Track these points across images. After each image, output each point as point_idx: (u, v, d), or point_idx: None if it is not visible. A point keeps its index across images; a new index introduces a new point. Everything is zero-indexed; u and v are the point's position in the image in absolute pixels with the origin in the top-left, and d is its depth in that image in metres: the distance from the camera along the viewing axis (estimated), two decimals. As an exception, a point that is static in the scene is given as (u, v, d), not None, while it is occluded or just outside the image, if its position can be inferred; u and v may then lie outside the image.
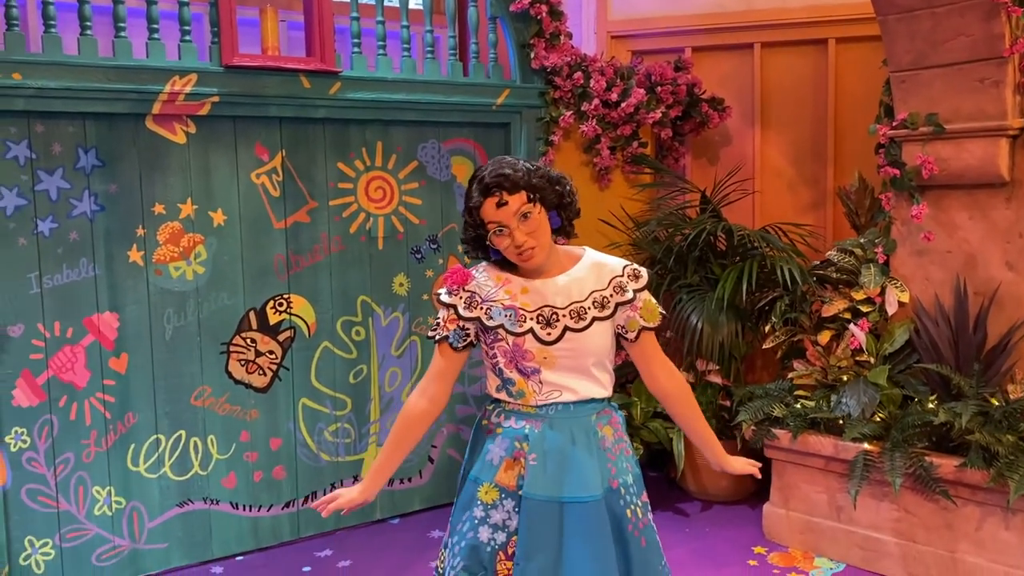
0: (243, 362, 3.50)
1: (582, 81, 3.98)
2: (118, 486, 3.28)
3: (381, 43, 3.68)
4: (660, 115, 4.16)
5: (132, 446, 3.30)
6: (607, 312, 1.99)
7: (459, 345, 2.00)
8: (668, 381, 2.11)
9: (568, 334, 1.95)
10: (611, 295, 2.00)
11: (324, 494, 3.68)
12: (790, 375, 3.66)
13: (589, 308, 1.97)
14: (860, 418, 3.32)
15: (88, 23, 3.08)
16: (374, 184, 3.75)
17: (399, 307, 3.85)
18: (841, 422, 3.36)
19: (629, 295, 2.01)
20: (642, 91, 4.08)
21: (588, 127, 4.02)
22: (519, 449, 1.99)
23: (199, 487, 3.44)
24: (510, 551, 1.96)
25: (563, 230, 2.01)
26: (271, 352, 3.56)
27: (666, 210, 4.24)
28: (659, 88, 4.20)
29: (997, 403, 3.16)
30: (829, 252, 3.81)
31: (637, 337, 2.04)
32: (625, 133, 4.15)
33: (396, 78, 3.67)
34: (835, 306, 3.60)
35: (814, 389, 3.58)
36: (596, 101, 4.00)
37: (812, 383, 3.60)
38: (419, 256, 3.88)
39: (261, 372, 3.54)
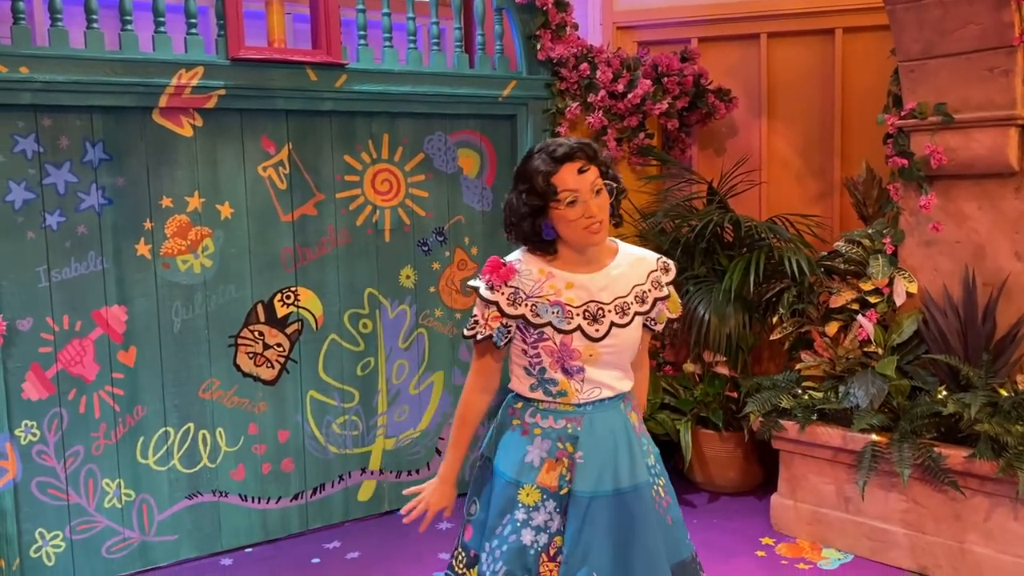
0: (251, 355, 3.51)
1: (588, 72, 3.97)
2: (127, 479, 3.29)
3: (387, 35, 3.68)
4: (667, 106, 4.15)
5: (141, 439, 3.31)
6: (647, 307, 1.98)
7: (503, 343, 1.95)
8: (644, 373, 2.20)
9: (614, 330, 1.92)
10: (650, 289, 1.99)
11: (332, 487, 3.75)
12: (798, 366, 3.65)
13: (631, 303, 1.95)
14: (868, 409, 3.31)
15: (95, 16, 3.08)
16: (380, 176, 3.75)
17: (406, 299, 3.85)
18: (849, 413, 3.36)
19: (664, 291, 2.01)
20: (648, 82, 4.06)
21: (594, 118, 4.01)
22: (562, 449, 1.95)
23: (208, 479, 3.45)
24: (552, 552, 1.93)
25: (611, 218, 1.96)
26: (279, 345, 3.56)
27: (673, 201, 4.24)
28: (665, 79, 4.19)
29: (1006, 393, 3.15)
30: (837, 243, 3.80)
31: (663, 328, 2.07)
32: (631, 124, 4.14)
33: (402, 70, 3.66)
34: (843, 297, 3.59)
35: (822, 380, 3.58)
36: (602, 92, 3.98)
37: (820, 374, 3.59)
38: (426, 248, 3.88)
39: (269, 365, 3.55)
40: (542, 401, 1.98)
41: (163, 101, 3.19)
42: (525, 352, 1.95)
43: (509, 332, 1.94)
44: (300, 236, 3.57)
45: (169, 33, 3.22)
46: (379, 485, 3.85)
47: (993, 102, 3.23)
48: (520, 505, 1.95)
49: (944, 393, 3.26)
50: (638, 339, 2.00)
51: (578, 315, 1.90)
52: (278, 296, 3.54)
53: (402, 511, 2.05)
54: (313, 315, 3.63)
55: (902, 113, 3.44)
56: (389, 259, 3.79)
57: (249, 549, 3.54)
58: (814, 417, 3.46)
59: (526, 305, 1.91)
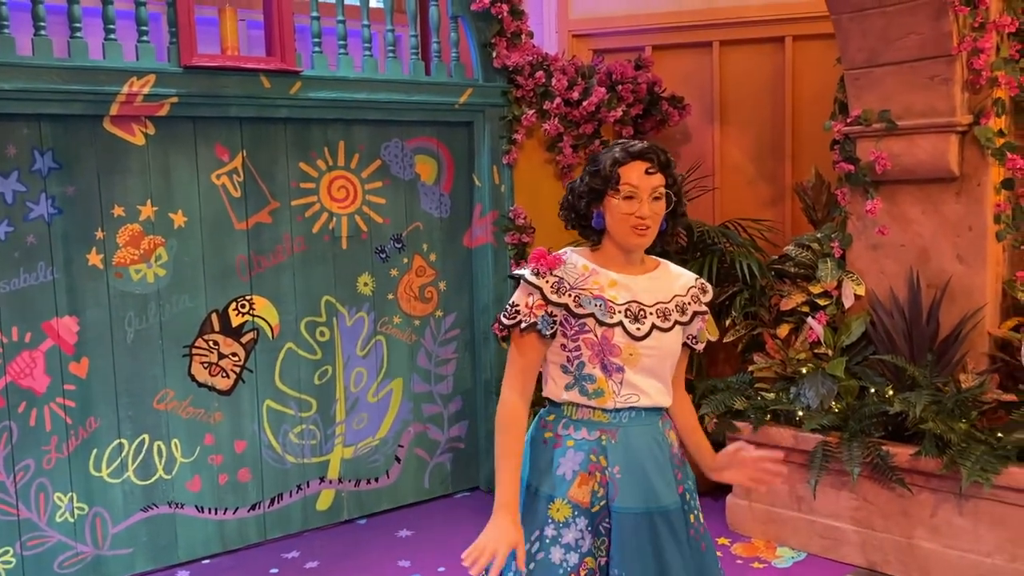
0: (206, 364, 3.48)
1: (544, 80, 4.01)
2: (80, 492, 3.24)
3: (342, 42, 3.68)
4: (621, 113, 4.20)
5: (94, 451, 3.26)
6: (686, 318, 1.96)
7: (548, 332, 1.87)
8: (686, 396, 2.11)
9: (655, 332, 1.89)
10: (690, 302, 1.98)
11: (290, 496, 3.73)
12: (750, 368, 3.72)
13: (672, 311, 1.94)
14: (819, 409, 3.39)
15: (42, 23, 3.04)
16: (337, 184, 3.75)
17: (364, 307, 3.85)
18: (800, 414, 3.43)
19: (703, 307, 2.01)
20: (603, 90, 4.12)
21: (550, 125, 4.05)
22: (595, 463, 1.88)
23: (163, 491, 3.41)
24: (583, 573, 1.87)
25: (664, 235, 1.96)
26: (234, 354, 3.54)
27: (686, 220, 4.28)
28: (620, 87, 4.24)
29: (949, 392, 3.24)
30: (787, 247, 3.88)
31: (703, 349, 2.06)
32: (587, 131, 4.19)
33: (357, 77, 3.66)
34: (793, 300, 3.67)
35: (774, 381, 3.65)
36: (558, 100, 4.03)
37: (772, 376, 3.66)
38: (384, 256, 3.88)
39: (224, 374, 3.52)
40: (577, 408, 1.92)
41: (114, 109, 3.15)
42: (564, 347, 1.90)
43: (555, 322, 1.88)
44: (255, 244, 3.55)
45: (120, 41, 3.19)
46: (338, 494, 3.83)
47: (935, 109, 3.33)
48: (550, 520, 1.88)
49: (891, 393, 3.34)
50: (679, 350, 1.97)
51: (620, 312, 1.88)
52: (233, 305, 3.52)
53: (463, 558, 1.77)
54: (269, 324, 3.61)
55: (848, 120, 3.53)
56: (346, 266, 3.79)
57: (206, 561, 3.51)
58: (767, 418, 3.53)
59: (569, 295, 1.88)
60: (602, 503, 1.89)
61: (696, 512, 1.99)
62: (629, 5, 4.57)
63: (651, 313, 1.91)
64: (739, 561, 3.44)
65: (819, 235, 3.80)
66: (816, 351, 3.57)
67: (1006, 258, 3.43)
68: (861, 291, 3.60)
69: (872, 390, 3.40)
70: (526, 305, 1.89)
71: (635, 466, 1.89)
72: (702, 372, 4.09)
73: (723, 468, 2.03)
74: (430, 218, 4.00)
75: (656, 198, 1.87)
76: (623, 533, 1.86)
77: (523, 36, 4.00)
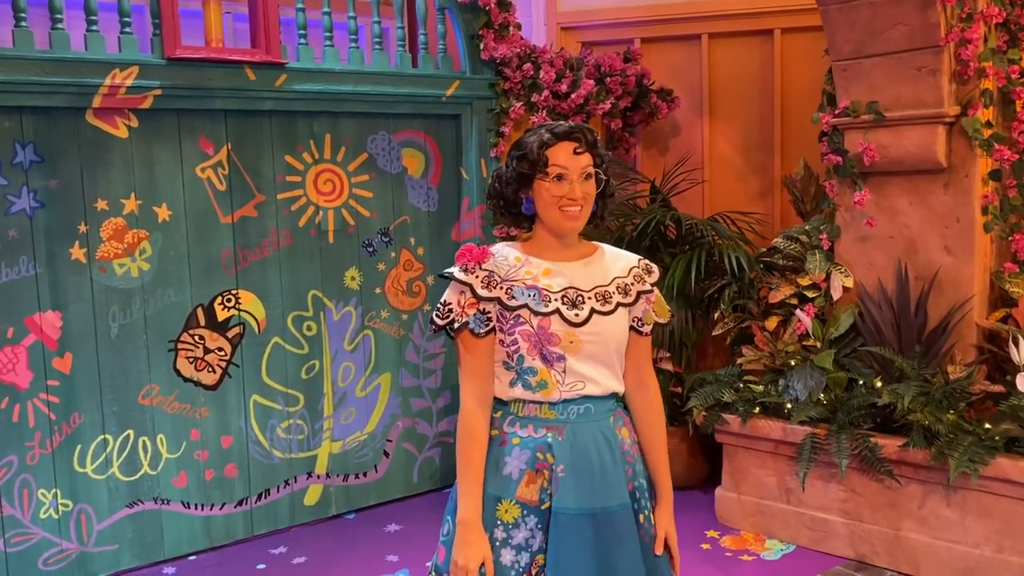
0: (192, 359, 3.45)
1: (532, 72, 3.98)
2: (64, 488, 3.21)
3: (328, 34, 3.65)
4: (610, 106, 4.19)
5: (79, 447, 3.23)
6: (630, 299, 1.91)
7: (482, 331, 1.83)
8: (655, 391, 2.02)
9: (595, 317, 1.84)
10: (632, 283, 1.92)
11: (278, 492, 3.70)
12: (739, 361, 3.72)
13: (613, 293, 1.88)
14: (807, 401, 3.38)
15: (23, 15, 3.00)
16: (323, 177, 3.72)
17: (351, 301, 3.82)
18: (789, 406, 3.43)
19: (648, 286, 1.95)
20: (591, 82, 4.10)
21: (538, 118, 4.02)
22: (541, 460, 1.84)
23: (149, 487, 3.39)
24: (534, 572, 1.83)
25: (594, 218, 1.92)
26: (220, 349, 3.51)
27: (616, 200, 4.24)
28: (608, 79, 4.23)
29: (937, 383, 3.24)
30: (776, 239, 3.88)
31: (651, 331, 1.98)
32: (575, 124, 4.16)
33: (344, 69, 3.63)
34: (782, 292, 3.66)
35: (763, 374, 3.65)
36: (546, 92, 4.01)
37: (761, 368, 3.66)
38: (371, 249, 3.86)
39: (210, 369, 3.50)
40: (524, 404, 1.87)
41: (97, 101, 3.12)
42: (503, 342, 1.85)
43: (489, 319, 1.83)
44: (241, 238, 3.52)
45: (103, 32, 3.15)
46: (326, 489, 3.82)
47: (922, 100, 3.32)
48: (499, 522, 1.84)
49: (879, 384, 3.34)
50: (624, 334, 1.91)
51: (556, 300, 1.83)
52: (218, 299, 3.49)
53: None
54: (255, 318, 3.58)
55: (836, 112, 3.52)
56: (333, 260, 3.76)
57: (193, 557, 3.49)
58: (755, 410, 3.52)
59: (501, 288, 1.83)
60: (551, 501, 1.85)
61: (647, 512, 1.94)
62: (618, -3, 4.55)
63: (590, 298, 1.86)
64: (728, 554, 3.44)
65: (807, 227, 3.79)
66: (805, 343, 3.57)
67: (994, 249, 3.43)
68: (849, 283, 3.59)
69: (860, 382, 3.40)
70: (458, 303, 1.85)
71: (580, 465, 1.84)
72: (691, 365, 4.09)
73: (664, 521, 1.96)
74: (417, 212, 3.98)
75: (586, 177, 1.84)
76: (559, 534, 1.81)
77: (511, 28, 3.98)
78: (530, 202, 1.87)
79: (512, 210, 1.91)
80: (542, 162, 1.82)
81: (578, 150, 1.82)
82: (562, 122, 1.87)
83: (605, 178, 1.88)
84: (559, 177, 1.82)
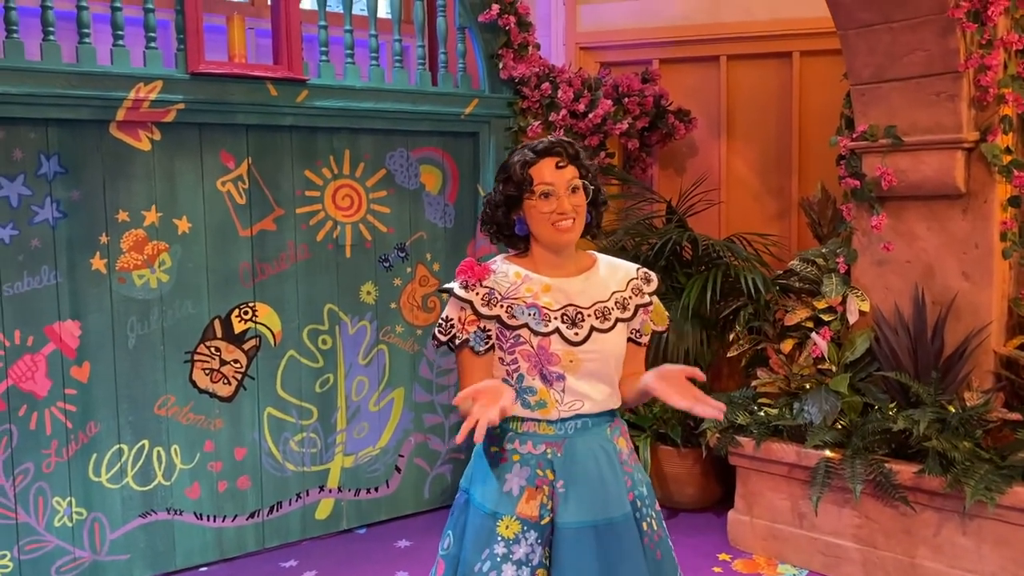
0: (207, 371, 3.47)
1: (550, 91, 4.01)
2: (79, 497, 3.23)
3: (349, 51, 3.69)
4: (627, 126, 4.20)
5: (94, 456, 3.26)
6: (628, 313, 1.92)
7: (482, 349, 1.85)
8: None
9: (594, 335, 1.85)
10: (630, 296, 1.93)
11: (290, 505, 3.71)
12: (754, 383, 3.70)
13: (612, 308, 1.89)
14: (822, 426, 3.36)
15: (51, 29, 3.06)
16: (341, 192, 3.75)
17: (366, 316, 3.84)
18: (803, 430, 3.41)
19: (646, 298, 1.96)
20: (609, 102, 4.12)
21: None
22: (541, 476, 1.85)
23: (162, 497, 3.40)
24: None
25: (589, 228, 1.94)
26: (236, 361, 3.53)
27: (633, 220, 4.28)
28: (626, 99, 4.24)
29: (954, 410, 3.22)
30: (792, 262, 3.87)
31: (649, 341, 1.98)
32: (592, 144, 4.19)
33: (364, 86, 3.67)
34: (798, 315, 3.65)
35: (777, 397, 3.63)
36: (564, 112, 4.03)
37: (775, 391, 3.64)
38: (387, 264, 3.88)
39: (226, 381, 3.52)
40: (522, 421, 1.88)
41: (120, 115, 3.17)
42: (502, 360, 1.86)
43: (488, 337, 1.85)
44: (259, 251, 3.55)
45: (128, 47, 3.20)
46: (337, 503, 3.82)
47: (941, 125, 3.31)
48: (499, 538, 1.84)
49: (895, 410, 3.32)
50: (623, 349, 1.92)
51: (556, 319, 1.83)
52: (236, 312, 3.52)
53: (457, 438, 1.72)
54: (271, 331, 3.61)
55: (854, 135, 3.52)
56: (349, 275, 3.78)
57: (204, 568, 3.50)
58: (770, 434, 3.50)
59: (501, 306, 1.84)
60: (551, 516, 1.86)
61: (650, 519, 1.94)
62: (637, 18, 4.57)
63: (589, 315, 1.87)
64: (740, 578, 3.41)
65: (824, 250, 3.78)
66: (820, 367, 3.55)
67: (1012, 276, 3.41)
68: (866, 307, 3.58)
69: (876, 407, 3.37)
70: (459, 320, 1.86)
71: (580, 479, 1.85)
72: (705, 387, 4.06)
73: (655, 387, 1.84)
74: (434, 228, 4.00)
75: (574, 190, 1.85)
76: (563, 549, 1.82)
77: (530, 48, 4.01)
78: (522, 223, 1.89)
79: (506, 232, 1.93)
80: (527, 181, 1.84)
81: (560, 164, 1.85)
82: (542, 139, 1.89)
83: (593, 187, 1.90)
84: (546, 194, 1.84)
